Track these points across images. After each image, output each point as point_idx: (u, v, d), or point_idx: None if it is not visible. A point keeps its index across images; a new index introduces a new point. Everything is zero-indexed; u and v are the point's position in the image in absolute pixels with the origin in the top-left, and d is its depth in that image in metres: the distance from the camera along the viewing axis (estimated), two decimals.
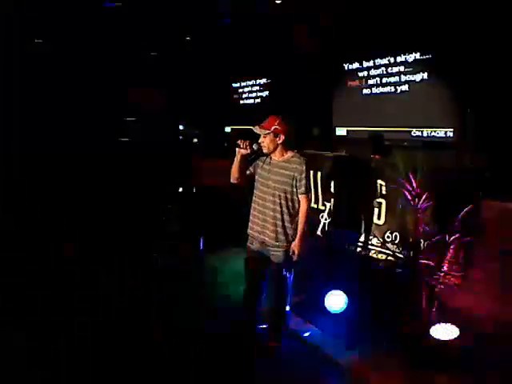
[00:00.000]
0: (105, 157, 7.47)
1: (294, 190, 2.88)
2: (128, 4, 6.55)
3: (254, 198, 3.02)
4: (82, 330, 3.06)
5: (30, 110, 8.34)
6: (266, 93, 9.03)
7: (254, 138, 2.96)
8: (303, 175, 2.86)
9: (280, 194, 2.87)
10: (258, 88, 9.27)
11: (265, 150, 2.92)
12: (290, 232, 2.89)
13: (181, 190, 6.08)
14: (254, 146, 2.89)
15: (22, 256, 4.24)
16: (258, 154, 2.97)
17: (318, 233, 4.10)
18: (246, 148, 2.88)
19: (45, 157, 7.34)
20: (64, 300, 3.52)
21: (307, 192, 2.90)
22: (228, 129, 10.10)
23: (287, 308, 3.18)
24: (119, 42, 8.59)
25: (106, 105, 9.37)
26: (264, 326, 3.07)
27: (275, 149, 2.91)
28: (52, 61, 8.74)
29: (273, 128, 2.87)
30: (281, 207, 2.88)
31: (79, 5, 6.54)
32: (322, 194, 4.06)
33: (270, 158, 2.96)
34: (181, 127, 9.07)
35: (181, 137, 9.22)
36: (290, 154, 2.94)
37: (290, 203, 2.89)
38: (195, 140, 9.20)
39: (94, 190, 6.36)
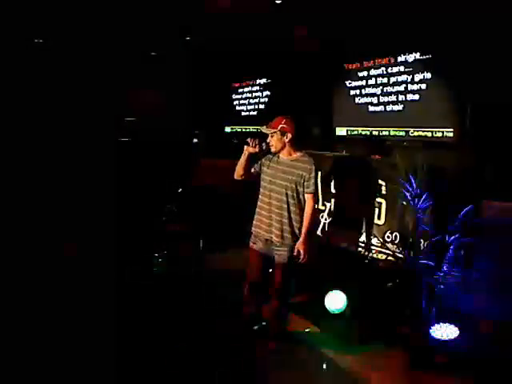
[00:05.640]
0: (104, 157, 7.46)
1: (302, 189, 2.91)
2: (128, 4, 6.55)
3: (260, 196, 3.03)
4: (84, 332, 3.05)
5: (29, 110, 8.33)
6: (267, 92, 9.03)
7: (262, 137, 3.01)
8: (312, 175, 2.90)
9: (288, 193, 2.90)
10: (258, 88, 9.26)
11: (273, 150, 2.96)
12: (296, 231, 2.91)
13: (180, 190, 6.08)
14: (263, 145, 2.93)
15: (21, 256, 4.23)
16: (264, 153, 3.00)
17: (318, 233, 4.10)
18: (254, 146, 2.91)
19: (45, 157, 7.33)
20: (64, 300, 3.52)
21: (314, 191, 2.93)
22: (228, 129, 10.10)
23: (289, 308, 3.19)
24: (119, 42, 8.58)
25: (106, 105, 9.36)
26: (264, 323, 3.07)
27: (283, 148, 2.95)
28: (52, 60, 8.73)
29: (279, 127, 2.90)
30: (288, 206, 2.90)
31: (79, 4, 6.54)
32: (322, 193, 4.06)
33: (278, 157, 2.98)
34: (195, 140, 9.14)
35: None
36: (298, 153, 2.97)
37: (297, 202, 2.91)
38: (195, 140, 9.20)
39: (93, 190, 6.35)
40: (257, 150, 2.93)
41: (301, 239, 2.88)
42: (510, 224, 3.04)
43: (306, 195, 2.91)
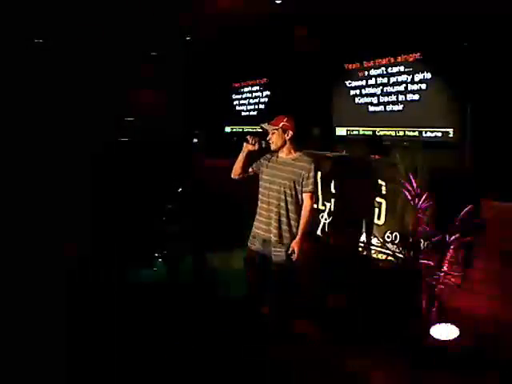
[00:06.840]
0: (104, 157, 7.46)
1: (300, 188, 2.90)
2: (128, 4, 6.55)
3: (259, 196, 3.02)
4: (85, 332, 3.05)
5: (29, 110, 8.33)
6: (267, 92, 9.03)
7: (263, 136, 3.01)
8: (311, 174, 2.89)
9: (286, 192, 2.89)
10: (258, 88, 9.26)
11: (273, 147, 2.95)
12: (294, 230, 2.90)
13: (180, 190, 6.07)
14: (263, 143, 2.93)
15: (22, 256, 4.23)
16: (263, 151, 2.99)
17: (318, 233, 4.09)
18: (254, 144, 2.90)
19: (45, 157, 7.33)
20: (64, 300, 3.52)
21: (312, 191, 2.91)
22: (228, 129, 10.10)
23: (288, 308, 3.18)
24: (119, 42, 8.58)
25: (106, 105, 9.36)
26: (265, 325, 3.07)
27: (283, 145, 2.94)
28: (52, 60, 8.73)
29: (281, 124, 2.91)
30: (287, 205, 2.89)
31: (79, 4, 6.54)
32: (322, 193, 4.06)
33: (277, 157, 2.98)
34: (195, 140, 9.15)
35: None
36: (298, 153, 2.97)
37: (296, 202, 2.90)
38: (195, 140, 9.21)
39: (93, 190, 6.35)
40: (256, 147, 2.92)
41: (296, 238, 2.87)
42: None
43: (303, 194, 2.90)
